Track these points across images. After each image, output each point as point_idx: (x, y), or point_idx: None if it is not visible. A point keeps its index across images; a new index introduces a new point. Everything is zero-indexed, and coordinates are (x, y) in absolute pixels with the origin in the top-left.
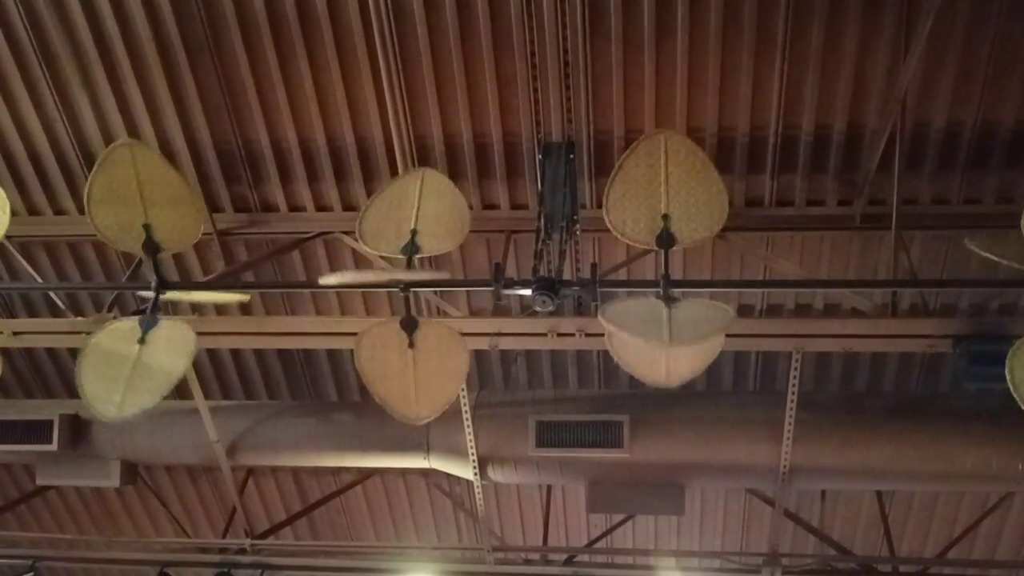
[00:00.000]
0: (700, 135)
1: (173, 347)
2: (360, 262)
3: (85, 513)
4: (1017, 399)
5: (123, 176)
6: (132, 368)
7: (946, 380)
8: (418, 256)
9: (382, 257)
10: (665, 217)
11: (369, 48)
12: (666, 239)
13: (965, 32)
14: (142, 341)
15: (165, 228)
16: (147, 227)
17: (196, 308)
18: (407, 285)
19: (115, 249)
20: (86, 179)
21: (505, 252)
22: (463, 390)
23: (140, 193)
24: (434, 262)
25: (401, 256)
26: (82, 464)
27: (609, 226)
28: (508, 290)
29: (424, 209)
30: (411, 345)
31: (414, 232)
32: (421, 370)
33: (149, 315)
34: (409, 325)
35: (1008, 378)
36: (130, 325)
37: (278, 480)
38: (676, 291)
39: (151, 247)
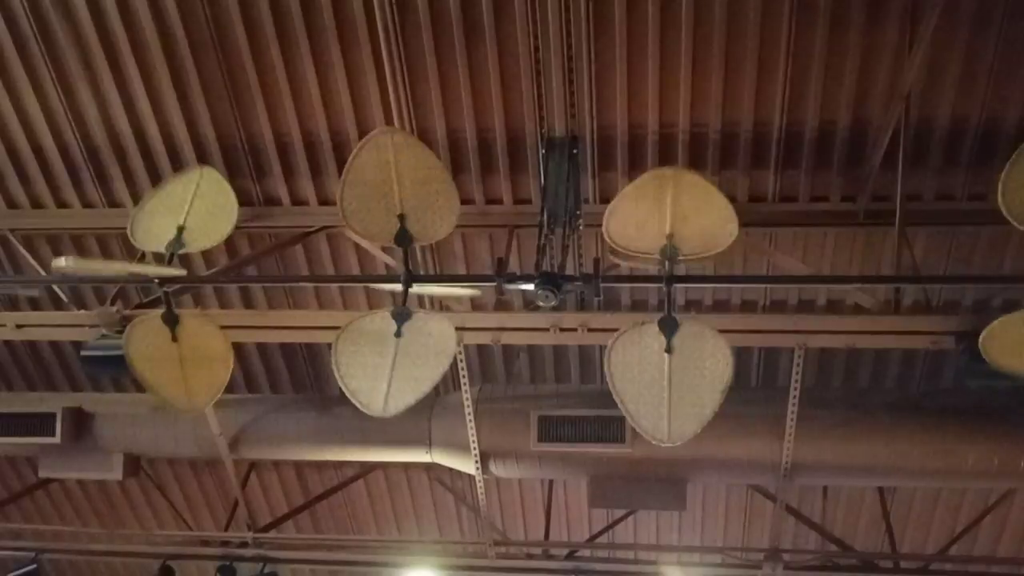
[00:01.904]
0: (704, 130)
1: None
2: (363, 256)
3: (88, 506)
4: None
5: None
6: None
7: (949, 377)
8: (416, 244)
9: (384, 249)
10: (670, 237)
11: (373, 42)
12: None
13: (969, 28)
14: (399, 334)
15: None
16: (401, 217)
17: (198, 302)
18: (409, 282)
19: (118, 242)
20: (89, 172)
21: (508, 247)
22: (465, 385)
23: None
24: (436, 254)
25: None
26: (85, 457)
27: (611, 244)
28: (511, 285)
29: (405, 190)
30: (398, 334)
31: (402, 217)
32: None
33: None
34: (401, 316)
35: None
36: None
37: (280, 473)
38: (678, 287)
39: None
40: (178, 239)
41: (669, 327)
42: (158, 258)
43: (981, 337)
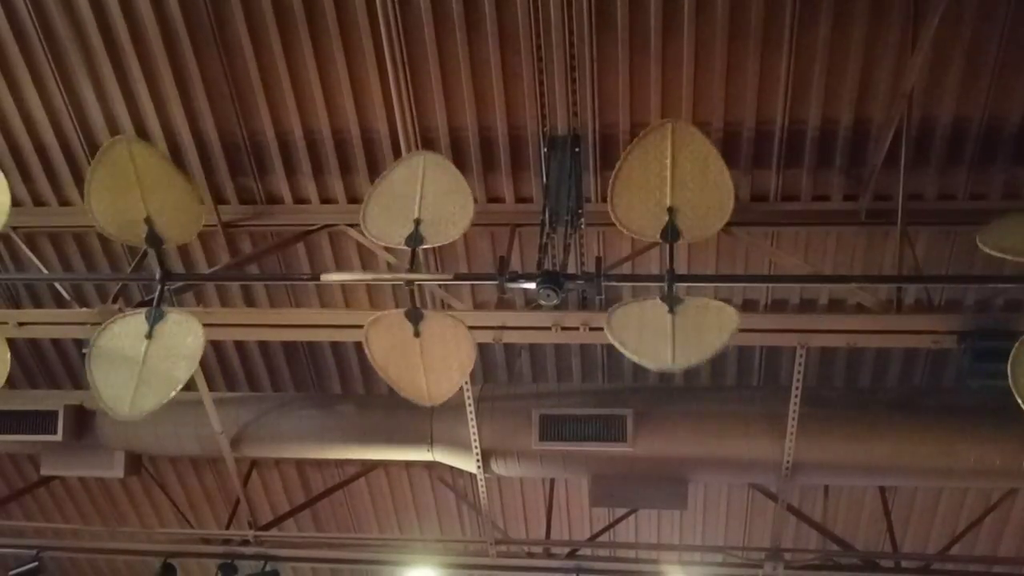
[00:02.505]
0: (706, 129)
1: (181, 340)
2: (364, 254)
3: (89, 503)
4: (1019, 399)
5: (122, 170)
6: (142, 364)
7: (950, 376)
8: (422, 247)
9: (386, 249)
10: (670, 210)
11: (375, 40)
12: (671, 233)
13: (973, 27)
14: (149, 335)
15: (167, 220)
16: (148, 220)
17: (200, 299)
18: (411, 279)
19: (119, 242)
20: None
21: (510, 245)
22: (467, 383)
23: (140, 186)
24: (438, 253)
25: (405, 247)
26: (86, 455)
27: (613, 219)
28: (512, 283)
29: (427, 197)
30: (417, 334)
31: (417, 222)
32: (428, 358)
33: (155, 308)
34: (414, 316)
35: (1009, 377)
36: (137, 319)
37: (282, 472)
38: (680, 287)
39: (154, 240)
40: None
41: (672, 303)
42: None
43: (1012, 353)
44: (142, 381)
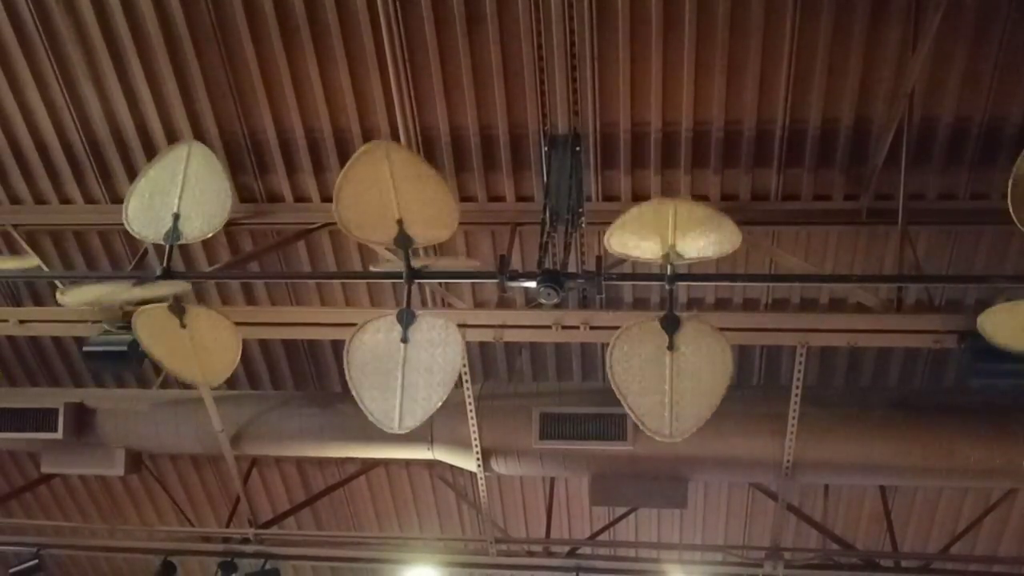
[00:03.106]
0: (706, 128)
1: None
2: (365, 253)
3: (90, 501)
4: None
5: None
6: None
7: (951, 376)
8: (414, 247)
9: (387, 247)
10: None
11: (376, 39)
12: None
13: (974, 27)
14: (405, 340)
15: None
16: (400, 222)
17: (200, 298)
18: (411, 276)
19: (120, 237)
20: (92, 168)
21: (510, 244)
22: (467, 382)
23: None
24: (438, 252)
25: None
26: (87, 452)
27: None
28: (513, 282)
29: (404, 195)
30: (404, 340)
31: (400, 223)
32: (412, 369)
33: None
34: (407, 318)
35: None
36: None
37: (282, 470)
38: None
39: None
40: (175, 229)
41: (671, 325)
42: (158, 249)
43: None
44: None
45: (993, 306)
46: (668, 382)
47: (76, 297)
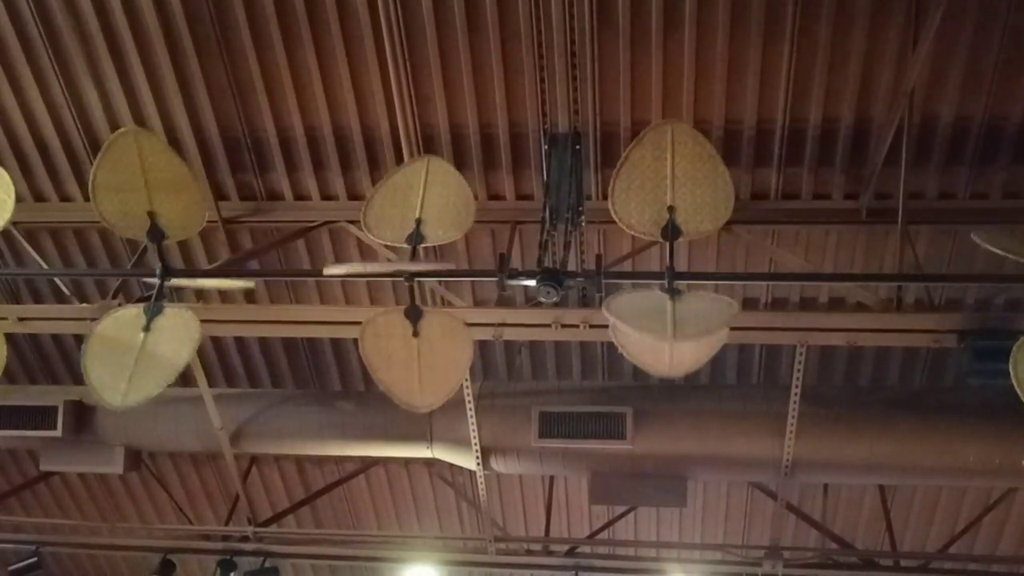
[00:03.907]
0: (707, 127)
1: (178, 335)
2: (365, 251)
3: (89, 499)
4: (1021, 395)
5: (128, 163)
6: (137, 356)
7: (950, 375)
8: (423, 245)
9: (386, 246)
10: (671, 209)
11: (376, 37)
12: (671, 231)
13: (974, 26)
14: (147, 329)
15: (170, 215)
16: (152, 214)
17: (200, 296)
18: (412, 275)
19: (120, 236)
20: (92, 165)
21: (510, 243)
22: (467, 380)
23: (145, 180)
24: (439, 251)
25: (406, 245)
26: (86, 450)
27: (614, 216)
28: (513, 280)
29: (429, 198)
30: (415, 334)
31: (419, 221)
32: (426, 359)
33: (154, 303)
34: (414, 314)
35: (1012, 374)
36: (135, 312)
37: (281, 468)
38: (681, 284)
39: (156, 234)
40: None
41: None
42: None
43: (1014, 349)
44: (136, 373)
45: None
46: (670, 321)
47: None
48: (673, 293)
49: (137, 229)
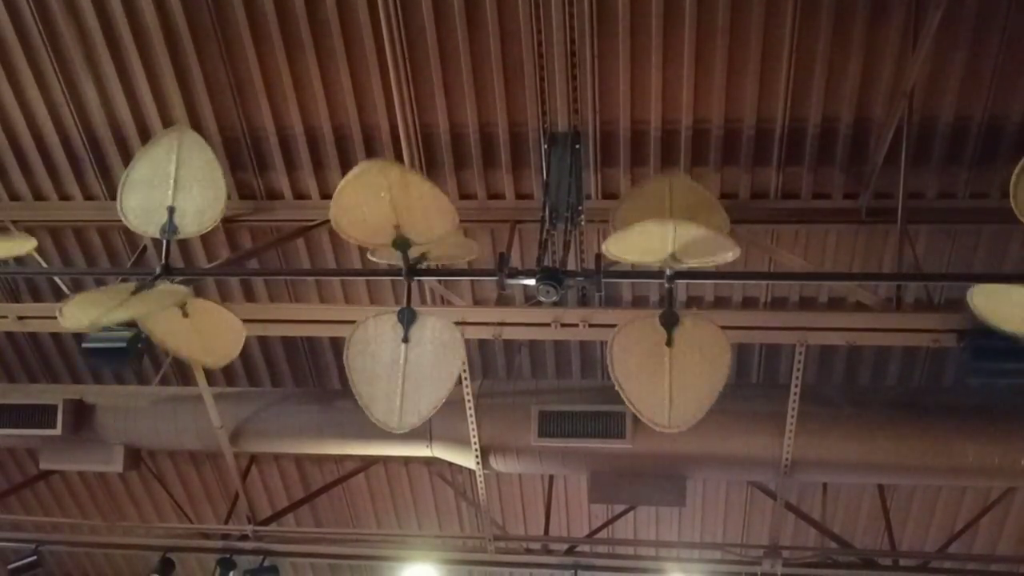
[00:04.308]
0: (706, 127)
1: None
2: (364, 250)
3: (88, 498)
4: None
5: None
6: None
7: (950, 375)
8: (412, 247)
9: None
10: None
11: (376, 36)
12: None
13: (974, 26)
14: (406, 340)
15: (186, 211)
16: (171, 209)
17: (200, 294)
18: (411, 273)
19: (120, 234)
20: (91, 164)
21: (510, 242)
22: (466, 379)
23: (174, 176)
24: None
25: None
26: (86, 449)
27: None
28: (512, 279)
29: (399, 202)
30: (405, 340)
31: (397, 227)
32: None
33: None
34: (407, 317)
35: (1012, 203)
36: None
37: (281, 467)
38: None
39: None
40: (170, 222)
41: (670, 321)
42: (156, 245)
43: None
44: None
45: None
46: (667, 376)
47: (74, 321)
48: (671, 327)
49: (152, 225)
